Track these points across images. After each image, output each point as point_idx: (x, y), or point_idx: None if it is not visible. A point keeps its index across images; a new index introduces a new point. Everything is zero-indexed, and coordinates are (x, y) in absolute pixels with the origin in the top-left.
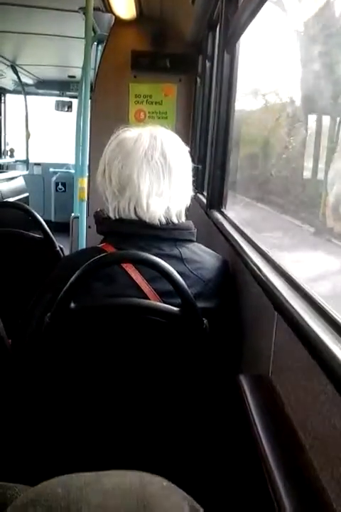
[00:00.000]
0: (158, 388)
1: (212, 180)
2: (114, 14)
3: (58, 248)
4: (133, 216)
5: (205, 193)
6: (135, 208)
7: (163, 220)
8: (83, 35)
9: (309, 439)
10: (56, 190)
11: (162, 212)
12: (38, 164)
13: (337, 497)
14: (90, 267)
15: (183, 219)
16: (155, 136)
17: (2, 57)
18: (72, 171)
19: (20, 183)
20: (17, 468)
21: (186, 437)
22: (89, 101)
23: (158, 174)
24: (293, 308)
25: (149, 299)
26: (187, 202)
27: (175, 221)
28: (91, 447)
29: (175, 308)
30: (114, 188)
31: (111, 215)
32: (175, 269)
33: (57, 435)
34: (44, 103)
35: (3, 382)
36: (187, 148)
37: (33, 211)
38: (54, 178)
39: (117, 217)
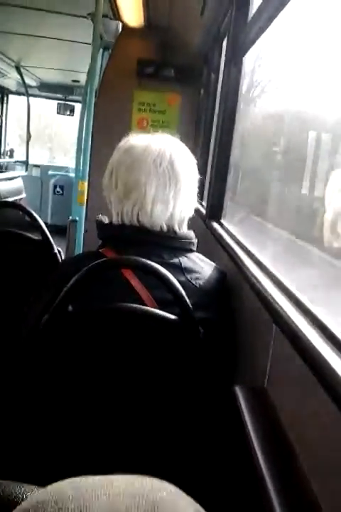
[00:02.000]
0: (154, 396)
1: (212, 191)
2: (121, 21)
3: (56, 250)
4: (135, 222)
5: (204, 203)
6: (138, 214)
7: (165, 228)
8: (89, 41)
9: (304, 452)
10: (54, 193)
11: (165, 219)
12: (37, 166)
13: (330, 510)
14: (90, 271)
15: (185, 229)
16: (165, 145)
17: (7, 57)
18: (71, 174)
19: (18, 184)
20: (15, 468)
21: (181, 445)
22: (93, 106)
23: (165, 181)
24: (293, 321)
25: (147, 306)
26: (191, 212)
27: (177, 230)
28: (86, 451)
29: (173, 317)
30: (119, 192)
31: (114, 219)
32: (174, 278)
33: (52, 435)
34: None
35: None
36: (195, 160)
37: (33, 212)
38: (52, 181)
39: (120, 222)
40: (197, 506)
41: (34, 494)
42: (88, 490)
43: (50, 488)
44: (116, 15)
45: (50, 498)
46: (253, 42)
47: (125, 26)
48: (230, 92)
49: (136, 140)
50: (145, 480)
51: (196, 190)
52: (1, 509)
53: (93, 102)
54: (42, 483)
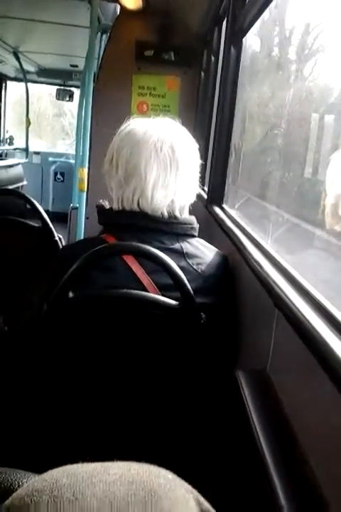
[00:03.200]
0: (156, 380)
1: (213, 175)
2: (119, 4)
3: (57, 238)
4: (136, 207)
5: (206, 188)
6: (139, 200)
7: (166, 214)
8: (87, 24)
9: (306, 436)
10: (54, 180)
11: (165, 205)
12: (37, 153)
13: (332, 494)
14: (91, 258)
15: (186, 214)
16: (166, 129)
17: (5, 43)
18: (72, 161)
19: (18, 171)
20: (15, 456)
21: (183, 430)
22: (92, 91)
23: (166, 166)
24: (294, 305)
25: (148, 292)
26: (192, 198)
27: (178, 215)
28: (87, 438)
29: (174, 302)
30: (120, 177)
31: (115, 205)
32: (175, 263)
33: (52, 422)
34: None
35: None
36: (197, 146)
37: (33, 200)
38: (53, 168)
39: (120, 207)
40: (195, 493)
41: (30, 482)
42: (84, 477)
43: (45, 475)
44: None
45: (46, 485)
46: (252, 23)
47: (123, 9)
48: (230, 74)
49: (136, 124)
50: (142, 467)
51: (198, 175)
52: None
53: (92, 86)
54: (41, 470)
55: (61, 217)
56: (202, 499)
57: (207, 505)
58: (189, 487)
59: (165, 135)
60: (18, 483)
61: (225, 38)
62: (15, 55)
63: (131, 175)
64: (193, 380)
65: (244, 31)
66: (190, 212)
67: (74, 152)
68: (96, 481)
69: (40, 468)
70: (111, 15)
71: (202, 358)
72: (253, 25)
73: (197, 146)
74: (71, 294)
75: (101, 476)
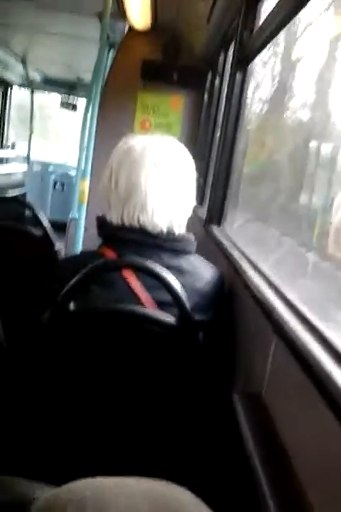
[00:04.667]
0: (152, 397)
1: (213, 195)
2: (128, 22)
3: (57, 247)
4: (136, 223)
5: (205, 208)
6: (139, 216)
7: (165, 230)
8: (95, 38)
9: (300, 462)
10: (54, 189)
11: (166, 221)
12: (38, 161)
13: None
14: (91, 272)
15: (184, 230)
16: (164, 145)
17: (13, 51)
18: (72, 171)
19: (18, 178)
20: (16, 465)
21: (178, 449)
22: (98, 105)
23: (166, 182)
24: (293, 331)
25: (146, 308)
26: (190, 212)
27: (177, 232)
28: (84, 450)
29: (172, 319)
30: (120, 194)
31: (114, 221)
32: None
33: (52, 432)
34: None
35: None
36: (193, 162)
37: (35, 208)
38: (53, 177)
39: (119, 223)
40: None
41: (51, 494)
42: (107, 491)
43: (67, 487)
44: (123, 15)
45: (70, 498)
46: (259, 50)
47: (132, 27)
48: (235, 98)
49: (134, 141)
50: (162, 483)
51: (194, 190)
52: (9, 506)
53: (98, 100)
54: (41, 479)
55: (58, 227)
56: None
57: None
58: (208, 509)
59: (164, 151)
60: (33, 494)
61: (231, 62)
62: (23, 62)
63: (131, 191)
64: (189, 398)
65: (251, 57)
66: (188, 230)
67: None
68: (118, 494)
69: (40, 478)
70: (120, 31)
71: (199, 377)
72: (260, 52)
73: (193, 162)
74: (70, 307)
75: (123, 489)
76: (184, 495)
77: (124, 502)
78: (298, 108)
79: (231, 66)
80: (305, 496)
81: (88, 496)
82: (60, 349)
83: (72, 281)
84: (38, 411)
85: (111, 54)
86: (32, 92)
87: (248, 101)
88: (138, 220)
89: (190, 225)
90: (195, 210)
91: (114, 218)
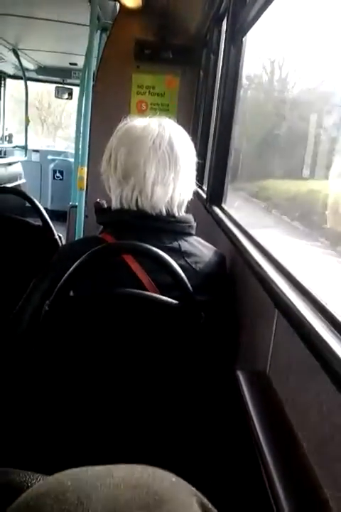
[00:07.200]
0: (155, 380)
1: (212, 174)
2: (119, 2)
3: (57, 236)
4: (134, 206)
5: (205, 188)
6: (137, 198)
7: (164, 212)
8: (87, 22)
9: (307, 437)
10: (53, 178)
11: (164, 202)
12: (36, 151)
13: (333, 495)
14: (91, 257)
15: (184, 212)
16: (163, 127)
17: (4, 40)
18: (71, 159)
19: (17, 169)
20: (18, 456)
21: (183, 430)
22: (91, 89)
23: (165, 163)
24: (294, 306)
25: (148, 291)
26: (190, 195)
27: (176, 213)
28: (88, 437)
29: (174, 301)
30: (118, 175)
31: (113, 204)
32: (174, 261)
33: (54, 421)
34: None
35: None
36: (192, 143)
37: (33, 198)
38: (52, 166)
39: (119, 206)
40: (199, 495)
41: (34, 486)
42: (88, 481)
43: (49, 479)
44: None
45: (50, 489)
46: (253, 22)
47: (123, 7)
48: (230, 73)
49: (134, 122)
50: (145, 470)
51: (195, 172)
52: (3, 497)
53: (91, 85)
54: (44, 470)
55: (60, 216)
56: (205, 501)
57: (210, 507)
58: (193, 489)
59: (163, 132)
60: (28, 484)
61: (225, 37)
62: (15, 52)
63: (130, 173)
64: (193, 379)
65: (245, 31)
66: (189, 211)
67: (72, 150)
68: (100, 485)
69: (43, 469)
70: (111, 13)
71: (202, 357)
72: (254, 24)
73: (192, 143)
74: (72, 293)
75: (105, 479)
76: (165, 477)
77: (105, 491)
78: None
79: (225, 41)
80: (310, 469)
81: (69, 486)
82: (63, 336)
83: (72, 268)
84: (41, 400)
85: (104, 37)
86: (26, 82)
87: None
88: (137, 202)
89: (192, 205)
90: (195, 190)
91: (113, 201)
